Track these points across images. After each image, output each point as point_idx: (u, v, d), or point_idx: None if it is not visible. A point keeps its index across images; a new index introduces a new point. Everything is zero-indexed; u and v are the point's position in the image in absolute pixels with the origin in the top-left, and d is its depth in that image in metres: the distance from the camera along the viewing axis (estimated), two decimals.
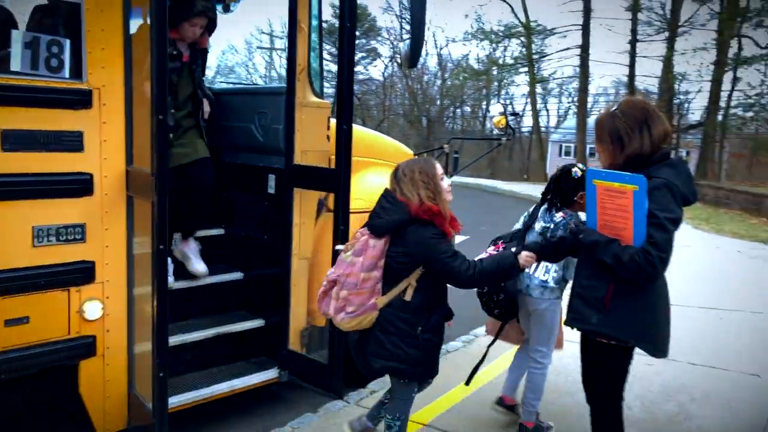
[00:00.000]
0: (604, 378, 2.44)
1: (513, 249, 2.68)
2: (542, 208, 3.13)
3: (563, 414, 3.47)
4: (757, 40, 24.58)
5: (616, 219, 2.19)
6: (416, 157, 2.82)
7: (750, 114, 25.98)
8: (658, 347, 2.33)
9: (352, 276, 2.53)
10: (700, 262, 8.27)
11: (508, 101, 47.00)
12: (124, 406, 3.00)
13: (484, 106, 50.55)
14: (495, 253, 2.93)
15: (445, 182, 2.60)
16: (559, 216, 3.01)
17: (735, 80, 25.92)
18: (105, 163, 2.80)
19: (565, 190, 3.01)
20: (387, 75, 43.57)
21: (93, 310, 2.84)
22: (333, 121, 3.82)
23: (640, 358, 2.42)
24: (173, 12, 3.36)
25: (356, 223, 3.70)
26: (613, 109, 2.36)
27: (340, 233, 3.34)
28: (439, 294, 2.61)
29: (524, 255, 2.53)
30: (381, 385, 3.84)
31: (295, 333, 3.73)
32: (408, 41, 3.69)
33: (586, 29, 27.82)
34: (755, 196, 15.24)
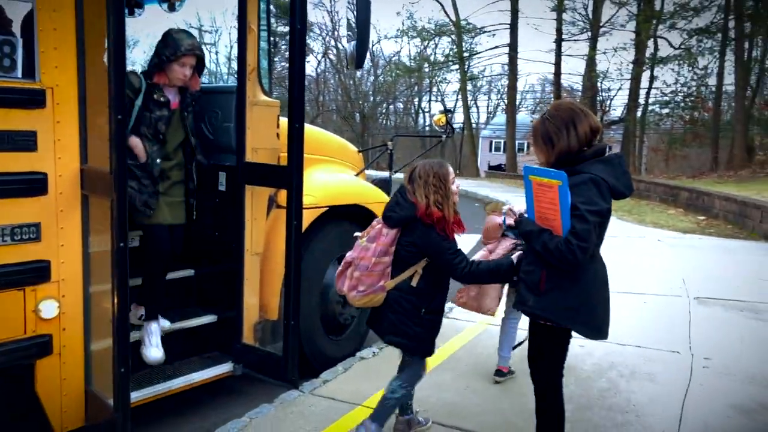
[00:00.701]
0: (544, 356, 2.67)
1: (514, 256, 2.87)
2: None
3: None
4: (672, 41, 26.08)
5: (548, 211, 2.41)
6: (433, 159, 3.05)
7: (666, 111, 27.55)
8: (592, 329, 2.53)
9: (365, 259, 2.87)
10: (626, 250, 8.81)
11: (439, 98, 47.86)
12: (81, 403, 3.02)
13: (416, 103, 51.24)
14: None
15: (455, 185, 2.90)
16: None
17: (652, 79, 27.43)
18: (59, 163, 2.81)
19: None
20: (320, 71, 43.45)
21: (49, 309, 2.84)
22: (282, 120, 3.94)
23: (574, 341, 2.67)
24: (158, 55, 3.33)
25: (307, 218, 3.84)
26: (544, 114, 2.60)
27: (294, 228, 3.45)
28: (442, 281, 2.94)
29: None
30: (333, 375, 3.99)
31: (248, 327, 3.82)
32: (354, 43, 3.84)
33: (514, 28, 28.75)
34: (672, 188, 16.25)
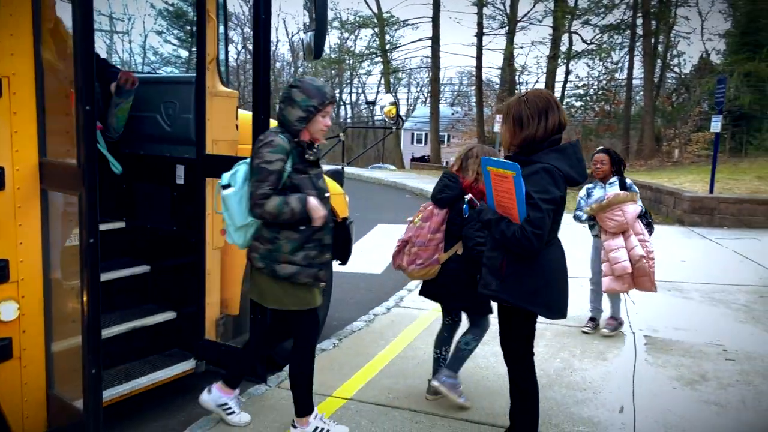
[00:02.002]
0: (512, 338, 2.78)
1: None
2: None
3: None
4: (585, 36, 27.27)
5: (505, 200, 2.51)
6: (485, 145, 3.68)
7: (580, 103, 28.82)
8: (552, 310, 2.66)
9: (421, 236, 3.37)
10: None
11: (360, 90, 47.94)
12: (43, 408, 2.87)
13: (337, 94, 51.01)
14: None
15: None
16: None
17: (567, 73, 28.58)
18: (17, 156, 2.65)
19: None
20: (240, 61, 42.43)
21: (8, 311, 2.68)
22: (241, 111, 3.86)
23: None
24: (303, 110, 2.77)
25: None
26: (522, 96, 2.68)
27: None
28: None
29: None
30: (330, 344, 4.01)
31: (210, 323, 3.74)
32: (311, 33, 3.81)
33: (436, 21, 29.13)
34: (588, 176, 17.03)
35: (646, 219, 4.67)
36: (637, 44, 24.48)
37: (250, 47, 40.31)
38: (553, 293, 2.66)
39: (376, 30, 31.73)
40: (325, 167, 6.89)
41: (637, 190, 4.77)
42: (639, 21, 23.85)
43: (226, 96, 3.70)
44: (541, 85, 26.49)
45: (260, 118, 3.36)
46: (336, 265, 4.87)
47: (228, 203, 2.83)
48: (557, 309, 2.70)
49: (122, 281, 3.71)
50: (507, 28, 27.65)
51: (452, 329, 3.59)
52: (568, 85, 29.28)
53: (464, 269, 3.27)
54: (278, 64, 47.00)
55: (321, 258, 2.90)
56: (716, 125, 11.30)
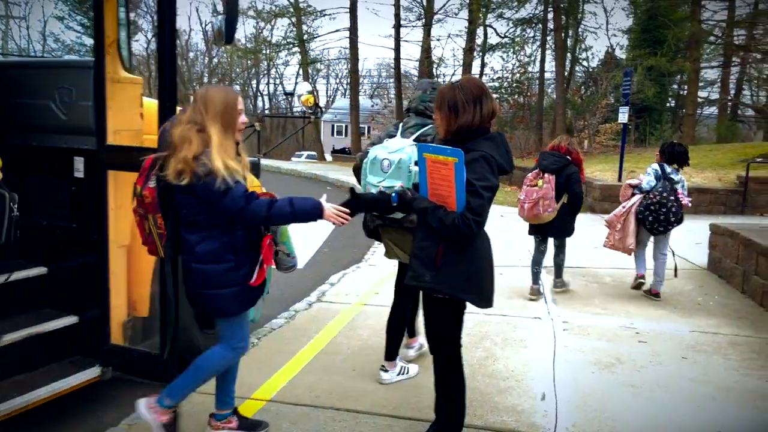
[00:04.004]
0: (441, 328, 2.73)
1: None
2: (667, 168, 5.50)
3: None
4: (499, 30, 27.89)
5: (442, 187, 2.45)
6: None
7: (496, 96, 29.46)
8: (484, 298, 2.66)
9: (549, 192, 5.25)
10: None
11: (278, 81, 47.13)
12: None
13: (254, 85, 49.95)
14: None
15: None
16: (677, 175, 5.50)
17: (483, 65, 29.14)
18: None
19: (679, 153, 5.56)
20: (151, 51, 40.65)
21: None
22: (145, 99, 3.60)
23: None
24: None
25: None
26: (456, 83, 2.62)
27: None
28: None
29: None
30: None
31: (117, 326, 3.47)
32: (222, 17, 3.59)
33: (353, 12, 28.92)
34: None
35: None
36: (549, 38, 25.29)
37: (148, 36, 38.78)
38: (485, 281, 2.64)
39: (293, 20, 31.14)
40: None
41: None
42: (550, 15, 24.64)
43: (129, 82, 3.42)
44: (458, 78, 26.81)
45: (166, 104, 3.13)
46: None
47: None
48: (487, 297, 2.68)
49: (14, 285, 3.38)
50: (424, 20, 27.85)
51: (545, 253, 5.67)
52: (483, 78, 29.86)
53: (564, 213, 5.40)
54: (192, 54, 45.46)
55: None
56: (623, 116, 11.81)
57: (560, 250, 5.80)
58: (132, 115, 3.45)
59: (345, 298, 5.38)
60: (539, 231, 5.55)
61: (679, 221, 5.39)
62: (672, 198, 5.32)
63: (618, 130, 17.70)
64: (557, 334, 4.53)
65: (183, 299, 3.56)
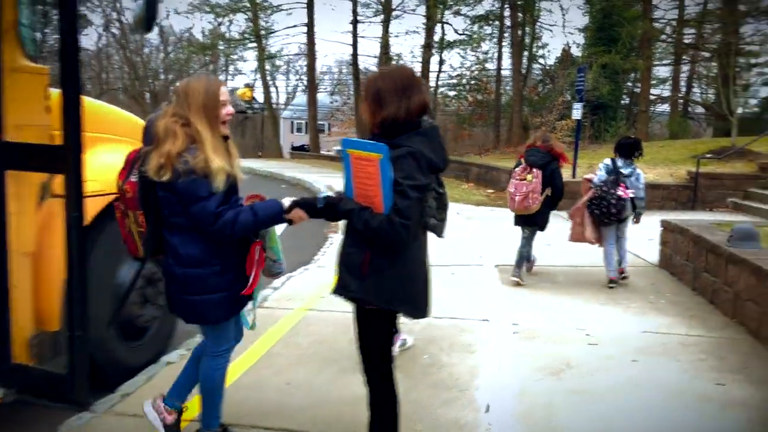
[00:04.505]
0: (372, 341, 2.50)
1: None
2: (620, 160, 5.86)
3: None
4: (456, 26, 27.83)
5: (367, 187, 2.22)
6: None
7: (454, 93, 29.46)
8: (418, 309, 2.43)
9: (537, 186, 5.56)
10: None
11: (236, 77, 46.28)
12: None
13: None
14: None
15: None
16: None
17: (441, 62, 29.08)
18: None
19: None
20: (102, 45, 39.42)
21: None
22: (54, 91, 3.27)
23: None
24: None
25: (91, 209, 3.25)
26: (382, 70, 2.39)
27: (74, 221, 2.87)
28: None
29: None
30: (134, 386, 3.48)
31: (21, 343, 3.14)
32: (142, 2, 3.30)
33: (310, 7, 28.52)
34: (464, 164, 17.43)
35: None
36: (506, 35, 25.38)
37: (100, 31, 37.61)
38: (418, 290, 2.42)
39: (249, 14, 30.53)
40: None
41: None
42: (507, 12, 24.72)
43: (32, 72, 3.10)
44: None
45: (70, 96, 2.82)
46: None
47: None
48: (423, 307, 2.46)
49: None
50: (382, 16, 27.64)
51: (532, 238, 6.07)
52: (442, 75, 29.84)
53: (545, 206, 5.72)
54: (146, 50, 44.23)
55: None
56: (577, 112, 11.81)
57: (528, 241, 6.08)
58: (36, 109, 3.13)
59: (288, 304, 5.10)
60: (525, 222, 5.94)
61: (619, 213, 5.62)
62: (612, 192, 5.60)
63: (574, 127, 17.78)
64: (506, 338, 4.35)
65: (94, 310, 3.26)
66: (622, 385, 3.57)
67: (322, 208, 2.39)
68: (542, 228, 5.98)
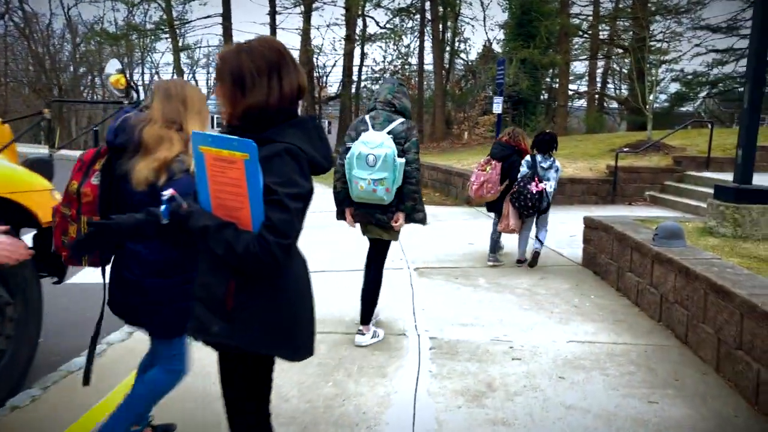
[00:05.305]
0: (241, 392, 1.95)
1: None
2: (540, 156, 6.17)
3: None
4: (378, 19, 27.42)
5: (230, 196, 1.67)
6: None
7: (376, 87, 29.06)
8: (299, 349, 1.89)
9: (494, 177, 6.05)
10: (340, 225, 8.62)
11: (154, 70, 44.17)
12: None
13: (127, 74, 46.47)
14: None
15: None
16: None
17: (363, 55, 28.64)
18: None
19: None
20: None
21: None
22: None
23: None
24: None
25: None
26: (243, 44, 1.83)
27: None
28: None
29: None
30: (27, 398, 2.82)
31: None
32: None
33: None
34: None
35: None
36: (427, 29, 25.17)
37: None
38: (299, 324, 1.87)
39: (161, 3, 28.97)
40: (32, 152, 5.56)
41: None
42: (428, 6, 24.50)
43: None
44: (338, 69, 26.17)
45: None
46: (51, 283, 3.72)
47: (401, 169, 3.78)
48: (305, 345, 1.92)
49: None
50: (302, 7, 26.85)
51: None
52: (364, 69, 29.40)
53: (506, 194, 6.12)
54: (54, 41, 41.41)
55: None
56: (497, 106, 11.60)
57: (496, 228, 6.50)
58: None
59: None
60: (493, 209, 6.47)
61: (534, 206, 5.99)
62: (528, 187, 6.00)
63: (496, 121, 17.74)
64: (422, 355, 3.90)
65: None
66: (549, 410, 3.18)
67: (167, 225, 1.82)
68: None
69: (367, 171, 3.71)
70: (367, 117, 3.92)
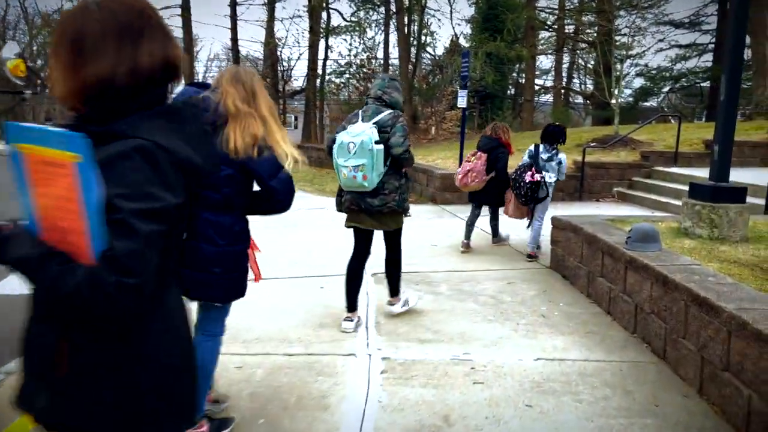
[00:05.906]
0: None
1: None
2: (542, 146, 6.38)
3: None
4: (343, 11, 26.81)
5: (59, 212, 1.17)
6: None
7: (341, 80, 28.51)
8: (170, 426, 1.37)
9: (479, 166, 6.47)
10: (305, 226, 8.12)
11: None
12: None
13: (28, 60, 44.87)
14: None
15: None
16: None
17: (327, 48, 28.00)
18: None
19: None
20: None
21: None
22: None
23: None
24: None
25: None
26: (89, 2, 1.30)
27: None
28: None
29: None
30: None
31: None
32: None
33: None
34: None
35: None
36: (393, 21, 24.64)
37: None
38: (169, 393, 1.35)
39: None
40: None
41: None
42: None
43: None
44: (304, 63, 25.48)
45: None
46: None
47: (380, 156, 3.91)
48: (187, 415, 1.42)
49: None
50: None
51: (478, 216, 6.82)
52: (328, 62, 28.76)
53: (492, 186, 6.50)
54: (11, 32, 39.72)
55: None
56: (462, 100, 11.21)
57: (492, 216, 6.97)
58: None
59: None
60: (474, 198, 6.80)
61: (527, 195, 6.17)
62: (523, 175, 6.19)
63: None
64: (373, 382, 3.42)
65: None
66: None
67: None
68: (494, 204, 6.80)
69: (347, 158, 3.91)
70: (360, 111, 4.13)
